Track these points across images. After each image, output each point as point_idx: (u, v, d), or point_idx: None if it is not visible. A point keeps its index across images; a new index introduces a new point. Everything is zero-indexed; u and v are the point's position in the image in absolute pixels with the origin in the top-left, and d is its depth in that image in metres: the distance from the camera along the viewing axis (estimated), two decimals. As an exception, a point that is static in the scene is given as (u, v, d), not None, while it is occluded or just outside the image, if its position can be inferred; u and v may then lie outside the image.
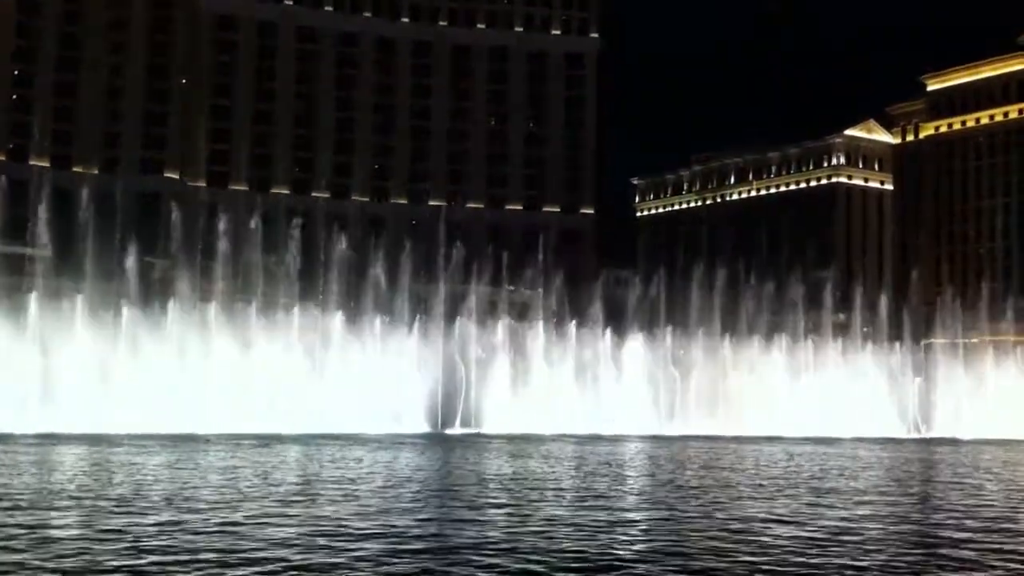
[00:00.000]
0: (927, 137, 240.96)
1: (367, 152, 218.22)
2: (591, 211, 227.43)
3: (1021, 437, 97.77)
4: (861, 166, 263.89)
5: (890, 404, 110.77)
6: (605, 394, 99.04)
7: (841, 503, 37.78)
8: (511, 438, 79.04)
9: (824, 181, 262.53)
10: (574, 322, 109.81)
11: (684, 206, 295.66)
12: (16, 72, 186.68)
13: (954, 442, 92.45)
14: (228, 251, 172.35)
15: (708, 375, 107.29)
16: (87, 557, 23.02)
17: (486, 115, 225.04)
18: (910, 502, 39.58)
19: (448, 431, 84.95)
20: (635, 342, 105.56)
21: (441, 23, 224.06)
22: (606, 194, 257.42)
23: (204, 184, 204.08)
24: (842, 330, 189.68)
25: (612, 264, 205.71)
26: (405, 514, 31.19)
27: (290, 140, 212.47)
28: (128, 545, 24.66)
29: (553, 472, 49.58)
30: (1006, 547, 27.68)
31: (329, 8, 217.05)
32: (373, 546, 24.82)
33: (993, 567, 24.55)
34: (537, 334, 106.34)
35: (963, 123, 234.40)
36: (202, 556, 23.15)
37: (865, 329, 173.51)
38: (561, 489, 41.25)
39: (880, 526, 31.61)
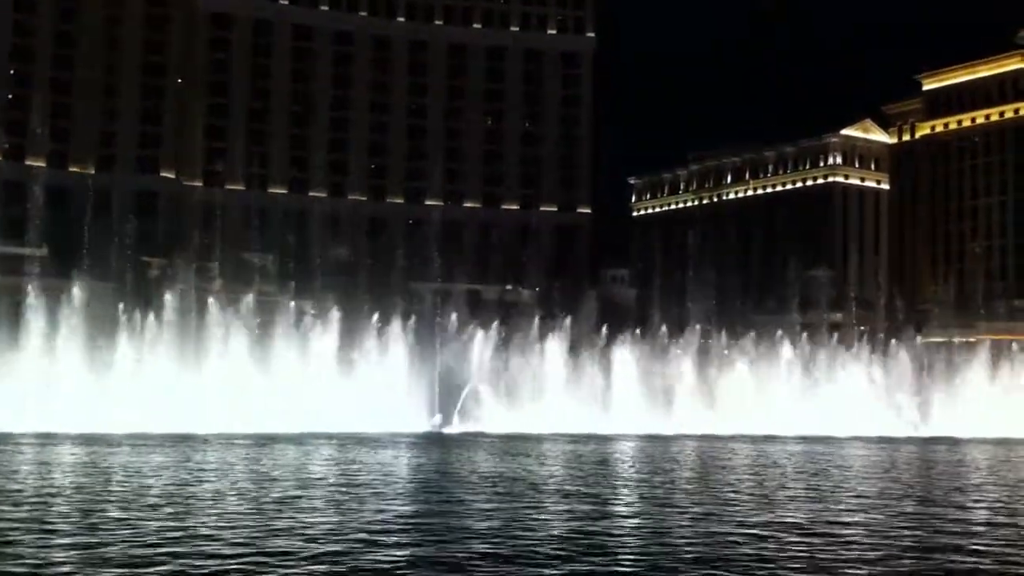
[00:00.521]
0: (923, 136, 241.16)
1: (363, 151, 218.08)
2: (587, 210, 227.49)
3: (1018, 436, 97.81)
4: (857, 165, 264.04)
5: (886, 403, 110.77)
6: (599, 393, 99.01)
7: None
8: (508, 437, 79.03)
9: (820, 180, 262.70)
10: (568, 321, 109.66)
11: (680, 205, 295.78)
12: (12, 71, 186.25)
13: (952, 441, 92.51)
14: (224, 250, 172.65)
15: (703, 373, 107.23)
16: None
17: (482, 114, 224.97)
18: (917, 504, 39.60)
19: (446, 430, 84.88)
20: (628, 342, 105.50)
21: (437, 22, 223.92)
22: (602, 193, 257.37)
23: (200, 183, 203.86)
24: (838, 329, 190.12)
25: (608, 263, 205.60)
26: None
27: (286, 139, 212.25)
28: None
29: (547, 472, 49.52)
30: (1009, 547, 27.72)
31: (325, 7, 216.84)
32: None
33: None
34: (533, 333, 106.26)
35: (959, 122, 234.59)
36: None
37: (861, 328, 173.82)
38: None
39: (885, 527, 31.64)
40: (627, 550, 25.98)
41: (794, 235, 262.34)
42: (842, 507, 36.03)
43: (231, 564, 22.90)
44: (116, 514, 30.51)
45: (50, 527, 27.59)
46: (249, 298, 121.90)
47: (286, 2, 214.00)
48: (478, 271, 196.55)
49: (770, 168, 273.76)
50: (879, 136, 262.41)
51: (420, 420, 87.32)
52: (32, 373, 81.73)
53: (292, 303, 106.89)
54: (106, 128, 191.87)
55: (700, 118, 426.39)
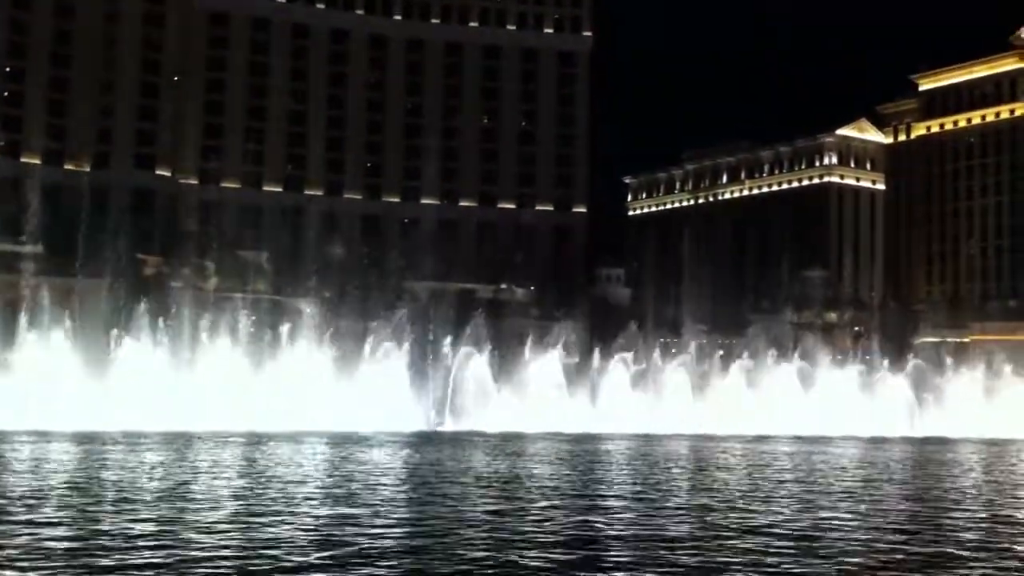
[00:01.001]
0: (919, 137, 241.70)
1: (359, 149, 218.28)
2: (583, 209, 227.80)
3: (1011, 436, 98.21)
4: (853, 165, 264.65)
5: (879, 403, 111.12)
6: (594, 392, 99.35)
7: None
8: (504, 436, 79.29)
9: (816, 180, 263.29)
10: (563, 319, 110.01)
11: (676, 205, 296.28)
12: (8, 68, 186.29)
13: (943, 441, 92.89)
14: (220, 248, 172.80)
15: (697, 373, 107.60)
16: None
17: (479, 113, 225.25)
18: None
19: (440, 429, 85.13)
20: (623, 341, 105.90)
21: (434, 20, 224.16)
22: (598, 192, 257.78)
23: (197, 181, 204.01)
24: (832, 329, 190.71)
25: (603, 263, 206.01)
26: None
27: (282, 137, 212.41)
28: None
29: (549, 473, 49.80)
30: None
31: (321, 5, 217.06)
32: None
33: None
34: (529, 332, 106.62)
35: (955, 123, 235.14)
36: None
37: (856, 328, 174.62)
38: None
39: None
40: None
41: (789, 235, 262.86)
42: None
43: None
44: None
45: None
46: (245, 296, 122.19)
47: (283, 0, 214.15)
48: (473, 270, 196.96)
49: (766, 168, 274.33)
50: (875, 136, 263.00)
51: (415, 419, 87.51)
52: (28, 371, 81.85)
53: (287, 301, 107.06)
54: (103, 125, 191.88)
55: (696, 118, 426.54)
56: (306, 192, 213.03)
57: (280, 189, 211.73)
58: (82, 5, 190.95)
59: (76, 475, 41.94)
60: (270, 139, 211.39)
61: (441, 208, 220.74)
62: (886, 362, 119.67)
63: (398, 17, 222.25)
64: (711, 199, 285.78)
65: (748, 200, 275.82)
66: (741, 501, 37.55)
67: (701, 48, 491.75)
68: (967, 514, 35.12)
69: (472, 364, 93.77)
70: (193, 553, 23.92)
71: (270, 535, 26.77)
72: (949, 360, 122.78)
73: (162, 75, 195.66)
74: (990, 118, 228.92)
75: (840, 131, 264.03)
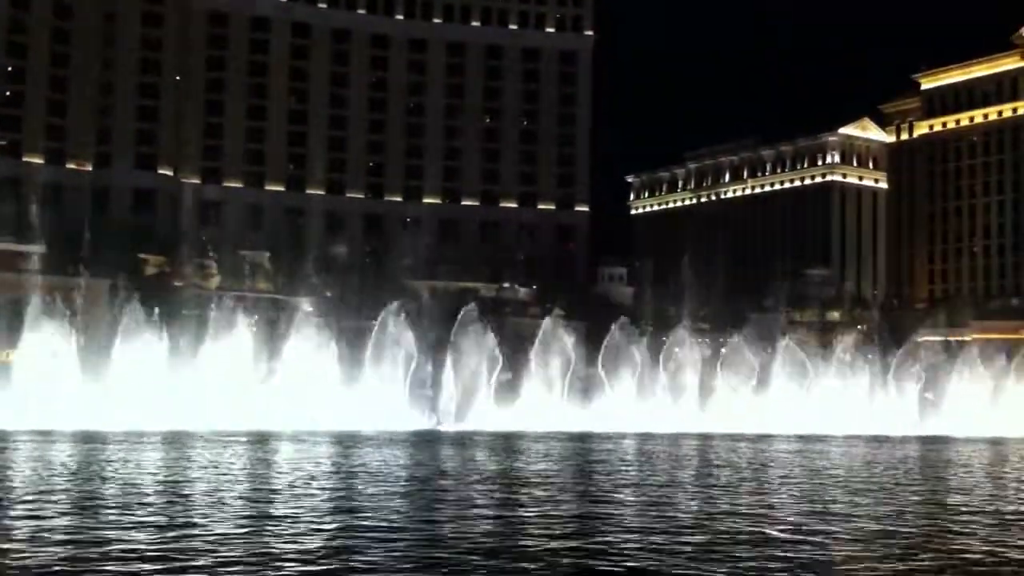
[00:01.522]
0: (921, 135, 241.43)
1: (361, 149, 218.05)
2: (585, 208, 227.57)
3: (1012, 435, 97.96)
4: (855, 164, 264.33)
5: (883, 401, 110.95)
6: (598, 392, 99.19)
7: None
8: (504, 436, 79.11)
9: (818, 179, 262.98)
10: (565, 319, 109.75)
11: (678, 204, 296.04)
12: (9, 68, 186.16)
13: (947, 440, 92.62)
14: (222, 247, 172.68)
15: (700, 372, 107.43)
16: None
17: (480, 112, 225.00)
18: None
19: (442, 428, 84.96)
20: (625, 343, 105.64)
21: (435, 20, 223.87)
22: (600, 191, 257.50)
23: (198, 180, 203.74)
24: (835, 327, 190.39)
25: (605, 262, 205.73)
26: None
27: (284, 136, 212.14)
28: None
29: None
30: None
31: (323, 4, 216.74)
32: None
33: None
34: (531, 331, 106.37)
35: (957, 121, 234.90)
36: None
37: (859, 326, 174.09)
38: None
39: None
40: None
41: (791, 234, 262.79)
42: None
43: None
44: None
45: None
46: (246, 295, 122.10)
47: (283, 0, 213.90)
48: (475, 269, 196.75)
49: (768, 167, 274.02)
50: (877, 135, 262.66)
51: (415, 419, 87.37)
52: (29, 370, 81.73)
53: (289, 300, 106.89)
54: (103, 125, 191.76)
55: (698, 116, 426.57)
56: (308, 191, 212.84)
57: (282, 188, 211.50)
58: (81, 5, 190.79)
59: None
60: (271, 138, 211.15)
61: (443, 207, 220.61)
62: (890, 360, 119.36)
63: (400, 16, 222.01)
64: (713, 198, 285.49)
65: (750, 199, 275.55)
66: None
67: (703, 47, 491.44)
68: None
69: (472, 364, 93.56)
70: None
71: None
72: (953, 358, 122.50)
73: (162, 75, 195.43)
74: (992, 117, 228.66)
75: (842, 130, 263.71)
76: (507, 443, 69.07)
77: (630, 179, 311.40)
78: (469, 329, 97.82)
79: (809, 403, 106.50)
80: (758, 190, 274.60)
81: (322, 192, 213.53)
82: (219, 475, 42.29)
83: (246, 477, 42.26)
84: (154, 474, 42.63)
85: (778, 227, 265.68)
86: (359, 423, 79.68)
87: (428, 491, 38.41)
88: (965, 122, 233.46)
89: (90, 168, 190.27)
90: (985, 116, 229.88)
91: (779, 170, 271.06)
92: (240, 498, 34.61)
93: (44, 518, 28.72)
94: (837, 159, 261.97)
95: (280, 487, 38.39)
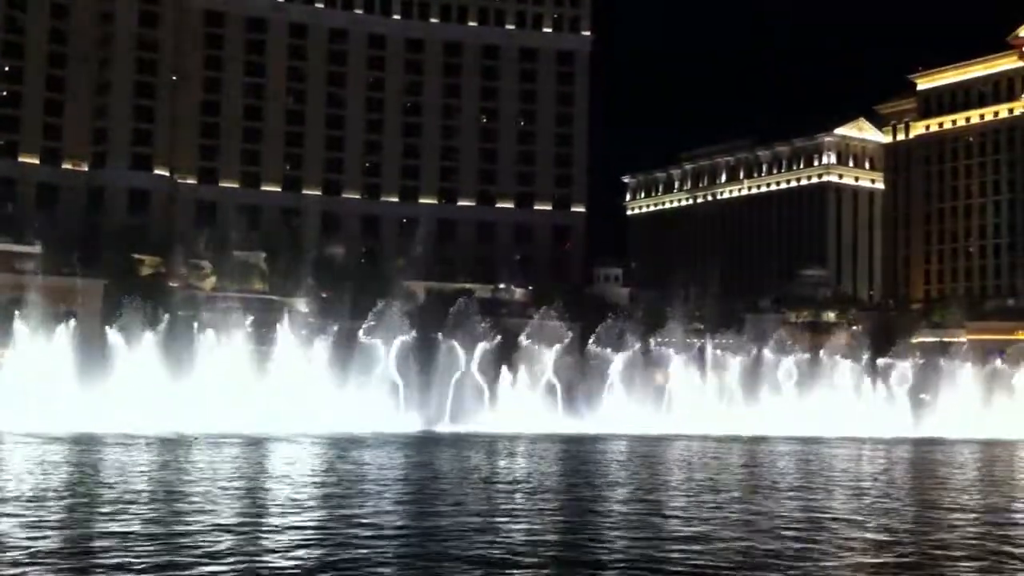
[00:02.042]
0: (917, 136, 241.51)
1: (358, 149, 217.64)
2: (582, 209, 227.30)
3: (1005, 436, 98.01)
4: (851, 164, 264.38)
5: (879, 403, 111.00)
6: (591, 394, 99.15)
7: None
8: (498, 437, 79.11)
9: (814, 179, 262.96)
10: (559, 321, 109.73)
11: (674, 204, 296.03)
12: (5, 68, 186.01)
13: (940, 442, 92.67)
14: (218, 248, 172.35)
15: (692, 375, 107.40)
16: None
17: (477, 112, 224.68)
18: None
19: (438, 430, 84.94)
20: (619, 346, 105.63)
21: (432, 19, 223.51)
22: (596, 192, 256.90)
23: (194, 181, 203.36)
24: (831, 328, 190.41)
25: (602, 262, 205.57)
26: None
27: (280, 136, 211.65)
28: None
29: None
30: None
31: (320, 4, 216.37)
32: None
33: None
34: (525, 332, 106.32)
35: (953, 122, 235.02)
36: None
37: (855, 327, 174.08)
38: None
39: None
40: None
41: (787, 234, 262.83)
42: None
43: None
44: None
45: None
46: (242, 296, 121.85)
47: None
48: (472, 269, 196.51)
49: (764, 167, 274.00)
50: (873, 135, 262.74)
51: (411, 420, 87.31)
52: (25, 370, 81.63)
53: (285, 301, 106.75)
54: (99, 125, 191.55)
55: (694, 117, 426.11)
56: (304, 192, 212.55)
57: (278, 189, 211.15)
58: (78, 5, 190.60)
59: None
60: (268, 139, 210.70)
61: (439, 208, 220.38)
62: (885, 362, 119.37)
63: (397, 16, 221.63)
64: (709, 198, 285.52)
65: (746, 200, 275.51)
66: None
67: (699, 47, 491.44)
68: None
69: (469, 364, 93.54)
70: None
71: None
72: (948, 359, 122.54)
73: (159, 75, 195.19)
74: (988, 117, 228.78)
75: (838, 130, 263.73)
76: (526, 445, 69.03)
77: (626, 180, 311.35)
78: (464, 331, 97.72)
79: (806, 405, 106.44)
80: (754, 191, 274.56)
81: (318, 192, 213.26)
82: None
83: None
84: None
85: (774, 228, 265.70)
86: (353, 425, 79.58)
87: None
88: (961, 123, 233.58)
89: (86, 168, 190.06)
90: (981, 116, 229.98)
91: (775, 171, 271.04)
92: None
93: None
94: (833, 160, 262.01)
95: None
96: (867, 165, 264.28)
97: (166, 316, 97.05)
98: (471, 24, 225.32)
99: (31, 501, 33.71)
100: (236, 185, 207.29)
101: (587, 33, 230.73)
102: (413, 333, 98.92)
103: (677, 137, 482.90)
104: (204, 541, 26.36)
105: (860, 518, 34.74)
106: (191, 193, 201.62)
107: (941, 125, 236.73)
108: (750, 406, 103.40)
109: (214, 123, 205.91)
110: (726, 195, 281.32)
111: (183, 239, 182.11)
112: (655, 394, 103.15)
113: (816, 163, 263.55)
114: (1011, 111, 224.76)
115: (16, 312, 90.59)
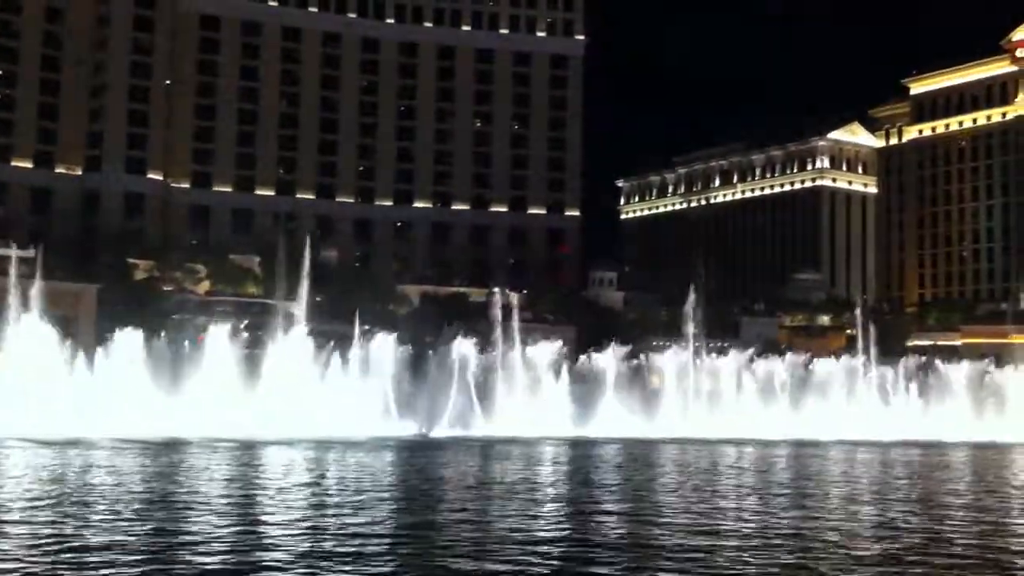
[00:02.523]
0: (910, 140, 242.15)
1: (351, 153, 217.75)
2: (576, 213, 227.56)
3: (1001, 440, 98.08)
4: (845, 169, 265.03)
5: (874, 407, 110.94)
6: (586, 397, 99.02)
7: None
8: (494, 441, 79.05)
9: (808, 184, 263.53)
10: (557, 323, 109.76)
11: (668, 208, 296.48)
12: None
13: (938, 445, 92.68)
14: (212, 252, 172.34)
15: (688, 378, 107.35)
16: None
17: (471, 116, 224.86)
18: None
19: (434, 434, 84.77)
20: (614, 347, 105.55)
21: (426, 23, 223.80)
22: (591, 196, 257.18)
23: (188, 185, 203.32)
24: (825, 331, 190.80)
25: (596, 266, 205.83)
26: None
27: (274, 141, 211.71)
28: None
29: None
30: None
31: (314, 8, 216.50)
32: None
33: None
34: (523, 336, 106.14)
35: (946, 126, 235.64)
36: None
37: (849, 331, 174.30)
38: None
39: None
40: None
41: (781, 238, 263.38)
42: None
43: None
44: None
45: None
46: (236, 300, 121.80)
47: (274, 3, 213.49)
48: (466, 273, 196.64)
49: (757, 171, 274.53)
50: (866, 139, 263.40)
51: (405, 425, 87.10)
52: (17, 376, 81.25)
53: (279, 305, 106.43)
54: (93, 129, 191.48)
55: (688, 121, 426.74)
56: (298, 196, 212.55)
57: (272, 193, 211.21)
58: (72, 8, 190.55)
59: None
60: (262, 143, 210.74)
61: (433, 211, 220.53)
62: (879, 365, 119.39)
63: (390, 20, 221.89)
64: (703, 202, 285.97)
65: (740, 204, 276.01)
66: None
67: (693, 51, 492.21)
68: None
69: (463, 370, 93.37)
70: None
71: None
72: (943, 362, 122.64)
73: (153, 78, 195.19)
74: (981, 121, 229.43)
75: (832, 135, 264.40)
76: (524, 450, 69.01)
77: (620, 184, 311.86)
78: (454, 333, 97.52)
79: (797, 409, 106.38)
80: (748, 195, 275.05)
81: (312, 196, 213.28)
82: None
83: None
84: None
85: (768, 231, 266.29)
86: (348, 430, 79.38)
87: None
88: (954, 127, 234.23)
89: (80, 172, 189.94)
90: (974, 121, 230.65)
91: (769, 175, 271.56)
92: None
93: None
94: (827, 164, 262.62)
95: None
96: (861, 169, 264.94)
97: (159, 320, 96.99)
98: (465, 28, 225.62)
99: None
100: (230, 189, 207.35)
101: (581, 37, 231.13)
102: (408, 337, 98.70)
103: (671, 141, 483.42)
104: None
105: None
106: (185, 197, 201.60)
107: (934, 129, 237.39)
108: (745, 410, 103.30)
109: (208, 127, 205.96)
110: (720, 199, 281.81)
111: (177, 243, 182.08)
112: (650, 398, 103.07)
113: (810, 167, 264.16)
114: (1004, 115, 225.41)
115: (9, 316, 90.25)
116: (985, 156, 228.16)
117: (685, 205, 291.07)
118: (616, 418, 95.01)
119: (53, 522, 30.16)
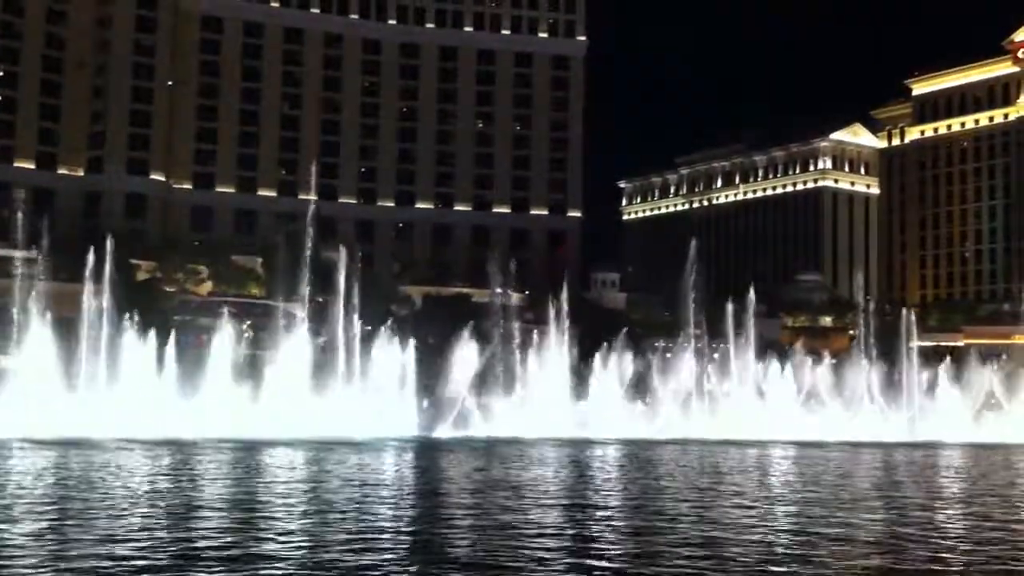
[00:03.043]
0: (913, 141, 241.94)
1: (353, 154, 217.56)
2: (578, 214, 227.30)
3: (1002, 440, 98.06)
4: (847, 169, 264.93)
5: (877, 408, 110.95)
6: (591, 398, 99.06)
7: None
8: (497, 442, 79.03)
9: (810, 184, 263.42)
10: (560, 325, 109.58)
11: (670, 209, 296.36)
12: (1, 72, 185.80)
13: (940, 445, 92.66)
14: (214, 253, 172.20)
15: (693, 379, 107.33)
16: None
17: (473, 117, 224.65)
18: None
19: (436, 435, 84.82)
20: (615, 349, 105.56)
21: (428, 25, 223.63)
22: (592, 197, 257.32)
23: (190, 186, 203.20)
24: (827, 332, 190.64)
25: (598, 267, 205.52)
26: None
27: (276, 142, 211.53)
28: None
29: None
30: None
31: (316, 9, 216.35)
32: None
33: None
34: (525, 338, 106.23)
35: (948, 127, 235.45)
36: None
37: (851, 332, 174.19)
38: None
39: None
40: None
41: (783, 239, 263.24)
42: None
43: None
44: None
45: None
46: (239, 301, 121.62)
47: (276, 4, 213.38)
48: (468, 274, 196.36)
49: (760, 172, 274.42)
50: (868, 140, 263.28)
51: (408, 425, 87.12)
52: (21, 377, 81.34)
53: (281, 306, 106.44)
54: (95, 130, 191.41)
55: (690, 122, 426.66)
56: (300, 197, 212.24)
57: (274, 194, 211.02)
58: (74, 10, 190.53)
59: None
60: (263, 143, 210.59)
61: (435, 213, 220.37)
62: (883, 366, 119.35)
63: (392, 21, 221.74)
64: (705, 203, 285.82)
65: (742, 205, 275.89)
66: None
67: (695, 52, 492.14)
68: None
69: (467, 370, 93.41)
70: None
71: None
72: (945, 363, 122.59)
73: (155, 79, 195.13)
74: (983, 122, 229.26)
75: (834, 135, 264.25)
76: (526, 450, 68.97)
77: (622, 185, 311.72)
78: (460, 336, 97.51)
79: (802, 409, 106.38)
80: (750, 195, 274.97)
81: (314, 197, 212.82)
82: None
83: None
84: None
85: (770, 233, 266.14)
86: (352, 430, 79.39)
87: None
88: (957, 127, 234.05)
89: (82, 173, 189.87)
90: (976, 121, 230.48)
91: (771, 175, 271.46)
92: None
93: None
94: (829, 164, 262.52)
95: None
96: (863, 170, 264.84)
97: (161, 321, 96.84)
98: (467, 29, 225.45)
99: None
100: (232, 190, 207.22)
101: (582, 38, 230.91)
102: (411, 338, 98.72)
103: (673, 142, 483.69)
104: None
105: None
106: (187, 198, 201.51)
107: (936, 130, 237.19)
108: (747, 411, 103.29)
109: (210, 128, 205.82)
110: (722, 200, 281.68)
111: (179, 244, 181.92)
112: (651, 399, 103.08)
113: (812, 168, 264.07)
114: (1006, 116, 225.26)
115: (12, 317, 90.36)
116: (987, 157, 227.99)
117: (687, 206, 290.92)
118: (617, 419, 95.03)
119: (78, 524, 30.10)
